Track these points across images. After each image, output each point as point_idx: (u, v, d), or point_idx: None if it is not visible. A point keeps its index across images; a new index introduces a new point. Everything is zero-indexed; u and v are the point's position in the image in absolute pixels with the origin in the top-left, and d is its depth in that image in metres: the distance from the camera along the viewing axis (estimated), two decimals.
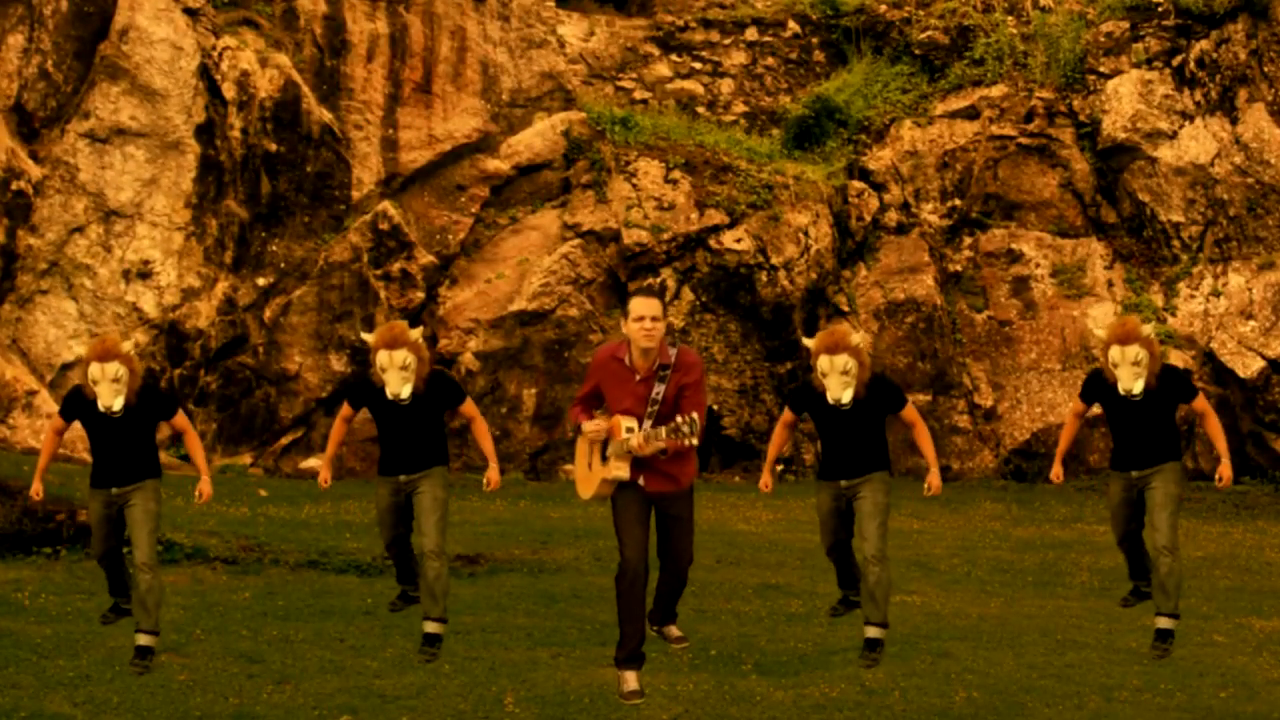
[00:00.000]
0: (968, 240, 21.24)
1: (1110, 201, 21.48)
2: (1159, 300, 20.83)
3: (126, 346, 7.87)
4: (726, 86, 22.55)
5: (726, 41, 22.68)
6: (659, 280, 19.70)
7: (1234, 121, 20.95)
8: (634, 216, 19.75)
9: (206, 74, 18.57)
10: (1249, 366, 20.00)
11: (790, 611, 11.11)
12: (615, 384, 7.36)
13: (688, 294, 19.81)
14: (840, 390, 7.67)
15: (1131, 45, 21.50)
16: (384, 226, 19.28)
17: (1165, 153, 20.99)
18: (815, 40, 22.93)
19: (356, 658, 9.40)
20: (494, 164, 20.07)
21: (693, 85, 22.45)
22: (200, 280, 18.42)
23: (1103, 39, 21.61)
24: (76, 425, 8.09)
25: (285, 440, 18.76)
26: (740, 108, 22.50)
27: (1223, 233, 20.83)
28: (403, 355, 7.69)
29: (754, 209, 20.00)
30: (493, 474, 7.99)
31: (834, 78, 22.39)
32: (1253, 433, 20.06)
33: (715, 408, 19.67)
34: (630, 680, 7.36)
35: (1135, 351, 7.83)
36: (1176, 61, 21.33)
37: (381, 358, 7.73)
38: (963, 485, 19.58)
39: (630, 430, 7.20)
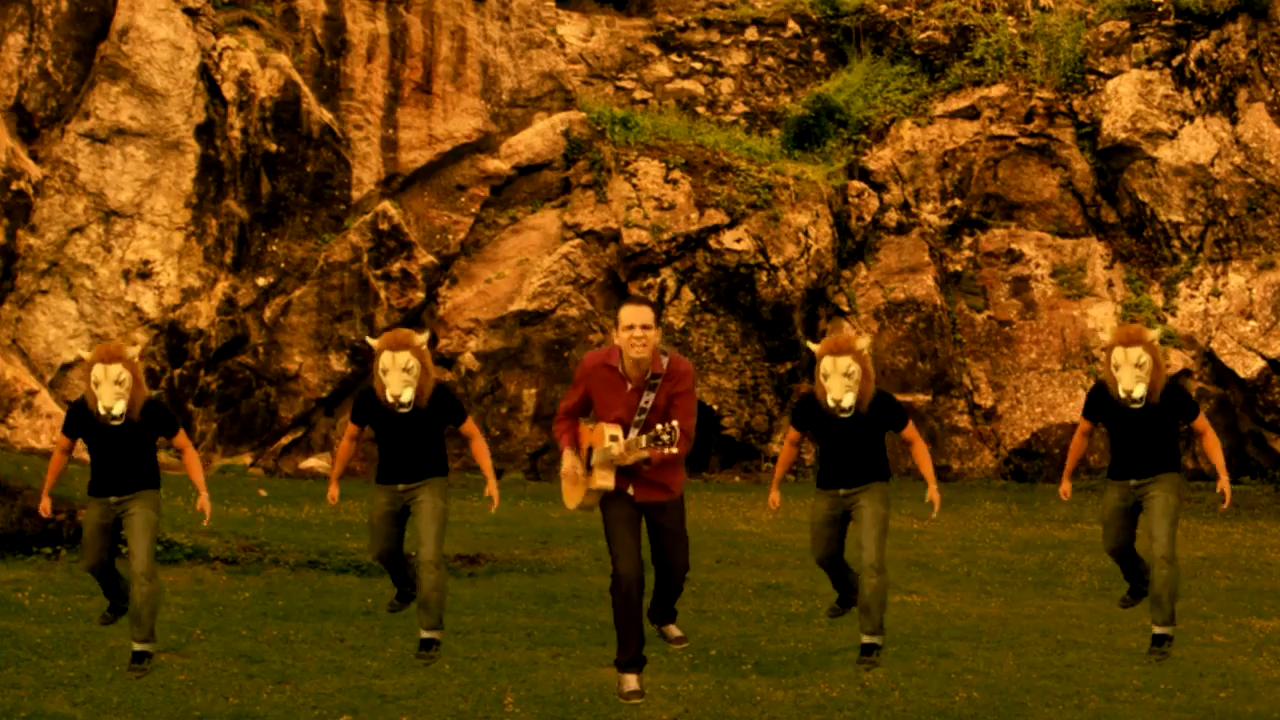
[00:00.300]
0: (968, 240, 21.25)
1: (1110, 201, 21.48)
2: (1159, 300, 20.83)
3: (131, 352, 7.84)
4: (726, 86, 22.56)
5: (726, 41, 22.68)
6: (659, 280, 19.70)
7: (1234, 121, 20.95)
8: (634, 216, 19.76)
9: (206, 74, 18.57)
10: (1249, 366, 20.00)
11: (790, 611, 11.11)
12: (606, 392, 7.26)
13: (688, 294, 19.81)
14: (841, 392, 7.63)
15: (1131, 45, 21.50)
16: (384, 226, 19.28)
17: (1165, 153, 20.99)
18: (815, 40, 22.93)
19: (356, 658, 9.39)
20: (494, 164, 20.08)
21: (693, 85, 22.45)
22: (200, 280, 18.42)
23: (1103, 39, 21.61)
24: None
25: (285, 440, 18.77)
26: (740, 108, 22.50)
27: (1223, 233, 20.83)
28: (405, 357, 7.65)
29: (754, 209, 20.00)
30: (493, 492, 7.95)
31: (834, 78, 22.40)
32: (1253, 433, 20.07)
33: (715, 408, 19.68)
34: (630, 681, 7.34)
35: (1138, 354, 7.78)
36: (1176, 61, 21.33)
37: (385, 359, 7.69)
38: (963, 485, 19.58)
39: (614, 439, 7.09)
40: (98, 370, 7.70)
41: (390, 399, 7.67)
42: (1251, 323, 20.21)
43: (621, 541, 7.22)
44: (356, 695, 8.47)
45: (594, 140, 20.32)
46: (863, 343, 7.81)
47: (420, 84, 19.86)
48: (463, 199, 19.95)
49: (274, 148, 18.88)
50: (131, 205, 18.07)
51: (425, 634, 7.85)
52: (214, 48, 18.74)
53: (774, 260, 19.91)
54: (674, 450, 6.93)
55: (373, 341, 7.92)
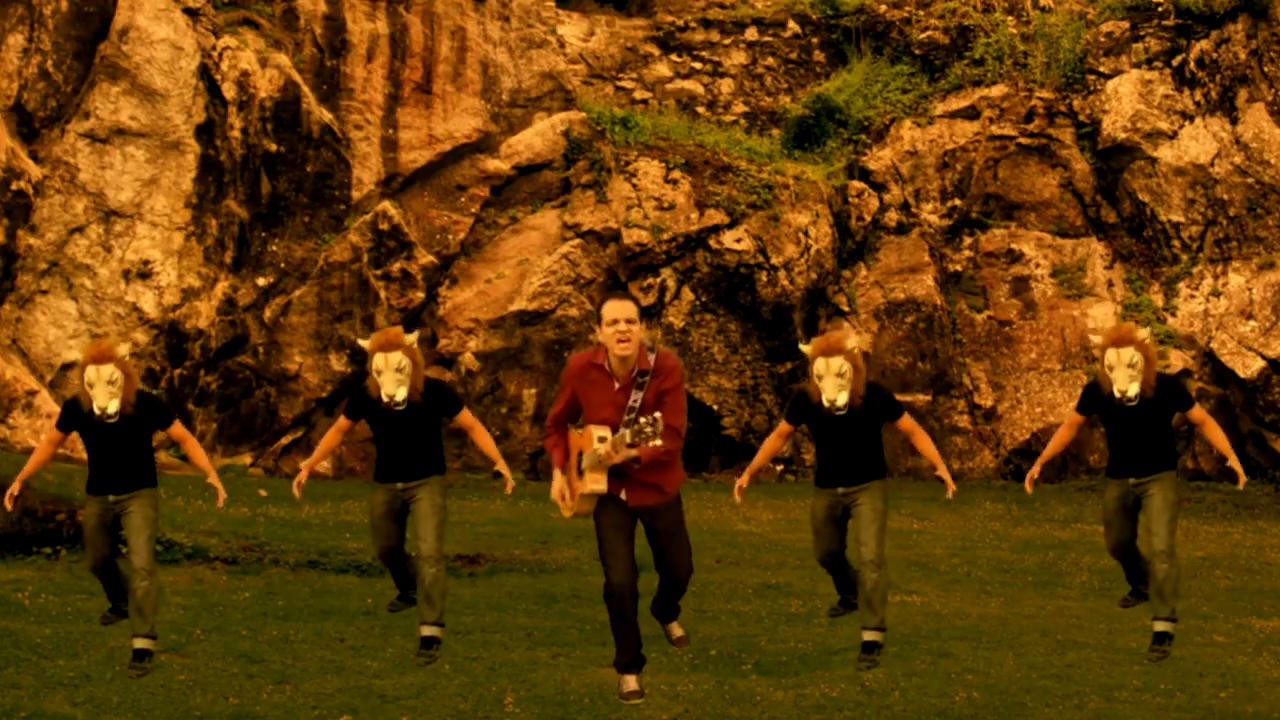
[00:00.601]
0: (968, 240, 21.25)
1: (1110, 201, 21.48)
2: (1159, 300, 20.83)
3: (122, 350, 7.84)
4: (726, 86, 22.56)
5: (726, 41, 22.68)
6: (659, 280, 19.71)
7: (1234, 121, 20.95)
8: (634, 216, 19.75)
9: (206, 74, 18.57)
10: (1249, 366, 20.00)
11: (790, 611, 11.11)
12: (594, 392, 7.12)
13: (688, 294, 19.81)
14: (835, 392, 7.68)
15: (1131, 45, 21.50)
16: (384, 226, 19.28)
17: (1165, 153, 20.99)
18: (815, 40, 22.93)
19: (356, 658, 9.39)
20: (494, 164, 20.08)
21: (693, 85, 22.45)
22: (200, 280, 18.42)
23: (1103, 39, 21.61)
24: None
25: (285, 440, 18.77)
26: (740, 108, 22.50)
27: (1223, 233, 20.83)
28: (398, 357, 7.68)
29: (754, 209, 20.00)
30: (504, 473, 7.94)
31: (834, 78, 22.40)
32: (1253, 433, 20.07)
33: (715, 408, 19.68)
34: (630, 681, 7.33)
35: (1130, 354, 7.85)
36: (1176, 61, 21.33)
37: (377, 360, 7.72)
38: (963, 485, 19.53)
39: (603, 439, 6.96)
40: (90, 371, 7.72)
41: (385, 399, 7.69)
42: (1251, 323, 20.21)
43: (613, 550, 7.11)
44: (356, 695, 8.46)
45: (594, 140, 20.32)
46: (853, 341, 7.86)
47: (420, 84, 19.86)
48: (463, 199, 19.95)
49: (274, 148, 18.88)
50: (131, 205, 18.07)
51: (426, 631, 7.84)
52: (214, 48, 18.74)
53: (774, 260, 19.91)
54: (658, 443, 6.77)
55: (364, 343, 7.95)
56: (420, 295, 19.32)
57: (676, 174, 20.08)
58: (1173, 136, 21.04)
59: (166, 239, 18.23)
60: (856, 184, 21.19)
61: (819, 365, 7.73)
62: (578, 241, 19.73)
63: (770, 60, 22.77)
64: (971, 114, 21.68)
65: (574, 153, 20.27)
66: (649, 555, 7.30)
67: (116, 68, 18.12)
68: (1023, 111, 21.58)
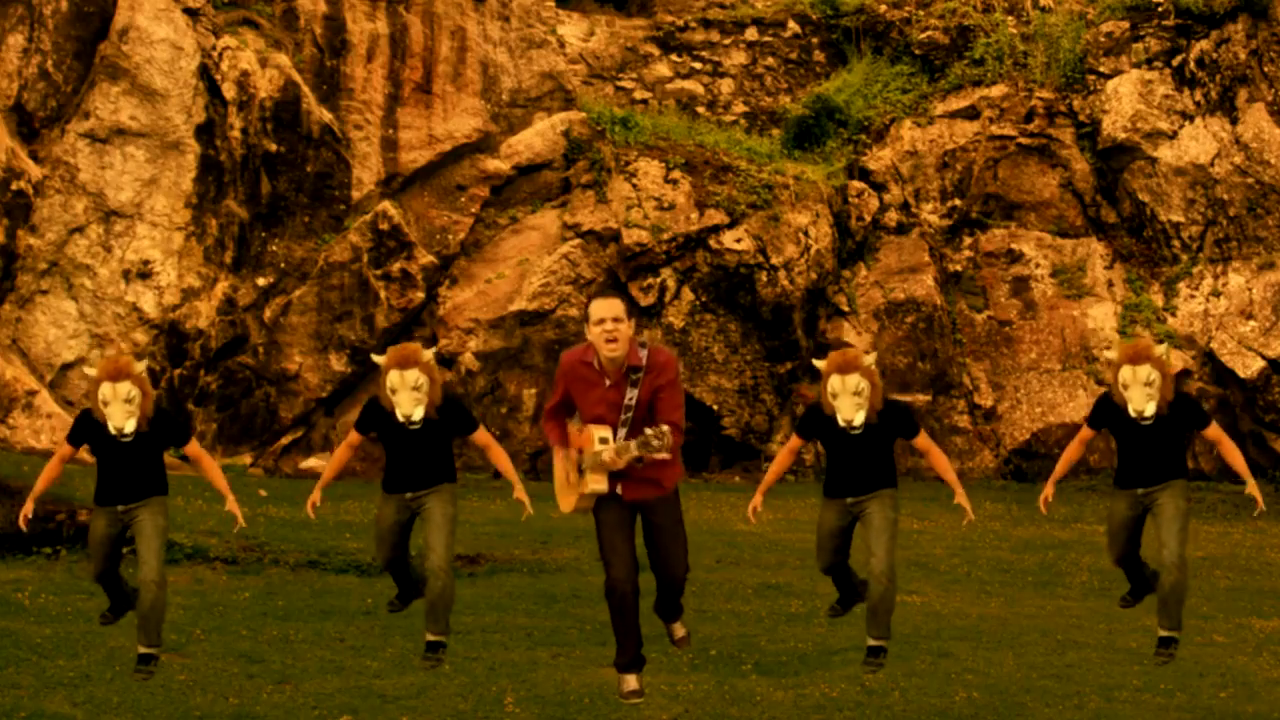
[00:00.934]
0: (968, 240, 21.25)
1: (1110, 201, 21.48)
2: (1159, 300, 20.83)
3: (139, 367, 7.65)
4: (726, 86, 22.56)
5: (726, 41, 22.68)
6: (659, 280, 19.70)
7: (1234, 121, 20.95)
8: (634, 216, 19.75)
9: (206, 74, 18.57)
10: (1249, 366, 20.00)
11: (790, 611, 11.10)
12: (585, 390, 7.05)
13: (688, 294, 19.81)
14: (852, 412, 7.52)
15: (1131, 45, 21.50)
16: (384, 226, 19.28)
17: (1165, 153, 20.99)
18: (815, 40, 22.93)
19: (356, 658, 9.39)
20: (494, 164, 20.08)
21: (693, 85, 22.45)
22: (200, 280, 18.42)
23: (1103, 39, 21.61)
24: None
25: (285, 440, 18.77)
26: (740, 108, 22.50)
27: (1223, 233, 20.83)
28: (415, 375, 7.46)
29: (754, 209, 20.00)
30: (522, 496, 7.79)
31: (834, 78, 22.40)
32: (1253, 433, 20.07)
33: (715, 408, 19.67)
34: (630, 681, 7.31)
35: (1147, 372, 7.63)
36: (1176, 61, 21.33)
37: (393, 378, 7.49)
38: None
39: (604, 441, 6.89)
40: (105, 389, 7.52)
41: (401, 419, 7.48)
42: (1251, 323, 20.21)
43: (613, 547, 7.07)
44: (356, 695, 8.46)
45: (594, 140, 20.32)
46: (870, 359, 7.68)
47: (420, 84, 19.86)
48: (463, 199, 19.95)
49: (274, 148, 18.88)
50: (131, 205, 18.06)
51: (431, 638, 7.79)
52: (214, 48, 18.73)
53: (774, 260, 19.91)
54: (665, 455, 6.72)
55: (378, 358, 7.70)
56: (420, 295, 19.32)
57: (676, 174, 20.08)
58: (1173, 136, 21.04)
59: (166, 239, 18.23)
60: (856, 184, 21.19)
61: (834, 383, 7.56)
62: (578, 241, 19.73)
63: (770, 60, 22.77)
64: (971, 114, 21.68)
65: (574, 153, 20.27)
66: (643, 554, 7.28)
67: (116, 68, 18.11)
68: (1023, 111, 21.58)
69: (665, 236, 19.67)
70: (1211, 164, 20.84)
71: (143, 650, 7.83)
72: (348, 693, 8.51)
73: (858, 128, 21.69)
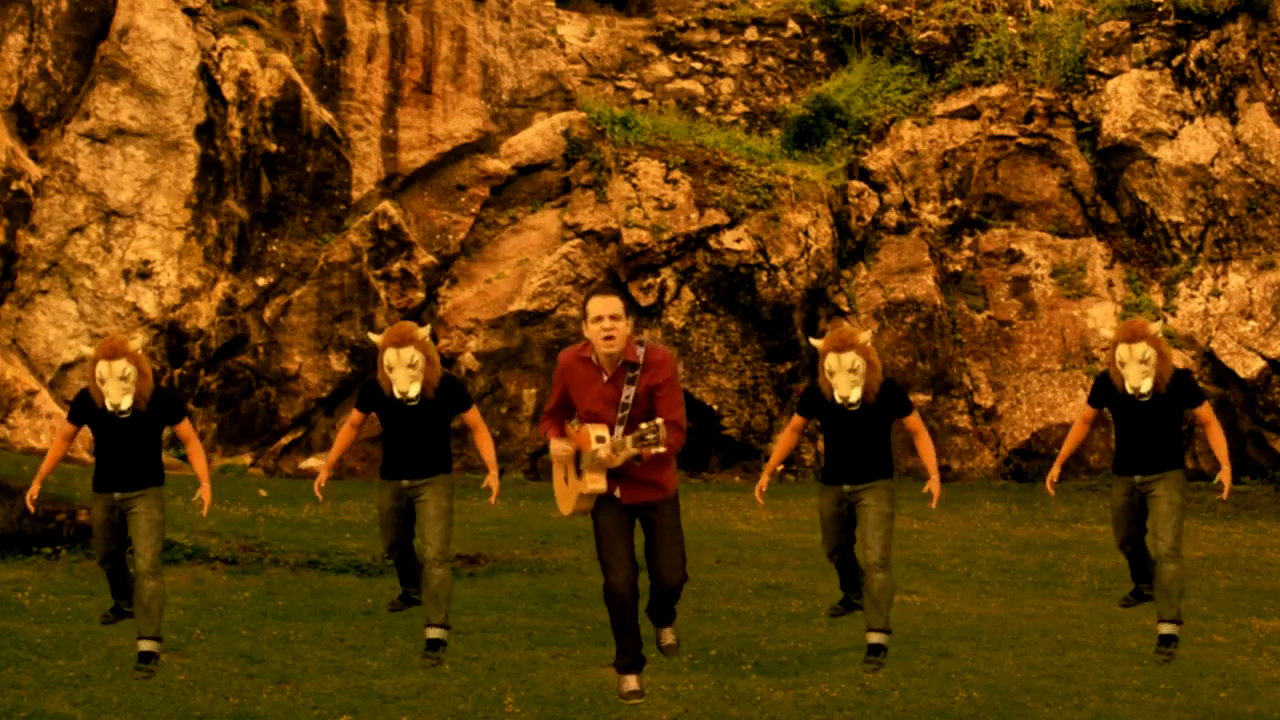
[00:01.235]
0: (968, 240, 21.25)
1: (1110, 201, 21.48)
2: (1159, 300, 20.83)
3: (134, 345, 7.76)
4: (726, 86, 22.56)
5: (726, 41, 22.68)
6: (659, 280, 19.70)
7: (1234, 121, 20.95)
8: (634, 216, 19.76)
9: (206, 74, 18.57)
10: (1249, 366, 20.00)
11: (790, 611, 11.10)
12: (583, 387, 7.05)
13: (688, 294, 19.81)
14: (848, 388, 7.61)
15: (1131, 45, 21.50)
16: (384, 226, 19.28)
17: (1165, 153, 20.99)
18: (815, 40, 22.93)
19: (356, 658, 9.39)
20: (494, 164, 20.08)
21: (693, 85, 22.45)
22: (200, 280, 18.43)
23: (1103, 39, 21.61)
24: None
25: (285, 440, 18.77)
26: (740, 108, 22.50)
27: (1223, 233, 20.83)
28: (410, 353, 7.61)
29: (754, 209, 20.00)
30: (493, 482, 7.90)
31: (834, 78, 22.40)
32: (1253, 433, 20.07)
33: (715, 408, 19.68)
34: (630, 681, 7.31)
35: (1143, 349, 7.79)
36: (1176, 61, 21.33)
37: (389, 356, 7.65)
38: (963, 485, 19.57)
39: (601, 439, 6.88)
40: (102, 367, 7.63)
41: (398, 395, 7.63)
42: (1251, 323, 20.21)
43: (612, 550, 7.05)
44: (356, 695, 8.46)
45: (594, 140, 20.32)
46: (865, 336, 7.76)
47: (420, 84, 19.86)
48: (463, 199, 19.95)
49: (274, 148, 18.88)
50: (131, 205, 18.07)
51: (432, 634, 7.80)
52: (214, 48, 18.74)
53: (774, 260, 19.92)
54: (662, 449, 6.71)
55: (375, 338, 7.87)
56: (420, 295, 19.32)
57: (676, 174, 20.09)
58: (1173, 136, 21.04)
59: (166, 239, 18.23)
60: (856, 184, 21.20)
61: (830, 361, 7.66)
62: (578, 241, 19.73)
63: (770, 60, 22.77)
64: (971, 114, 21.68)
65: (574, 153, 20.27)
66: (641, 556, 7.27)
67: (116, 68, 18.12)
68: (1023, 111, 21.58)
69: (665, 236, 19.67)
70: (1211, 164, 20.84)
71: (143, 647, 7.86)
72: (348, 693, 8.51)
73: (858, 128, 21.69)
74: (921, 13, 22.48)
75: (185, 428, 8.03)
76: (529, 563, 12.73)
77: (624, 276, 19.65)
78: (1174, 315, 20.60)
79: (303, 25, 19.52)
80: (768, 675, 9.13)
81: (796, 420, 8.11)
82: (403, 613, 8.53)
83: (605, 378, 7.02)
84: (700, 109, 22.27)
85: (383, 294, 19.12)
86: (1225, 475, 8.08)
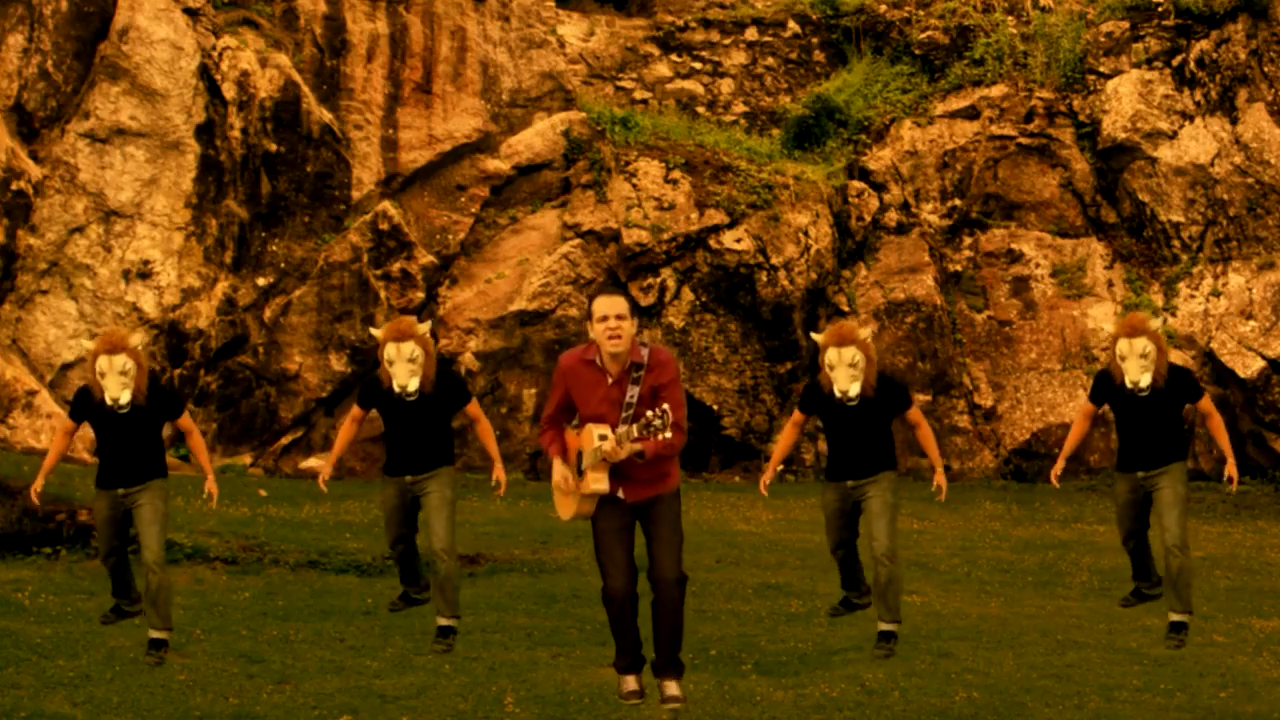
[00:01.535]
0: (968, 240, 21.25)
1: (1110, 201, 21.48)
2: (1159, 300, 20.83)
3: (134, 340, 7.81)
4: (726, 86, 22.56)
5: (726, 41, 22.68)
6: (659, 280, 19.71)
7: (1234, 121, 20.95)
8: (634, 216, 19.76)
9: (206, 74, 18.57)
10: (1249, 366, 20.00)
11: (790, 611, 11.10)
12: (586, 389, 7.01)
13: (688, 294, 19.81)
14: (848, 383, 7.65)
15: (1131, 45, 21.50)
16: (384, 226, 19.28)
17: (1165, 153, 20.99)
18: (815, 40, 22.93)
19: (356, 658, 9.39)
20: (494, 164, 20.08)
21: (693, 85, 22.45)
22: (200, 280, 18.43)
23: (1103, 39, 21.61)
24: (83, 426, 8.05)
25: (285, 440, 18.77)
26: (740, 108, 22.50)
27: (1223, 233, 20.83)
28: (410, 347, 7.68)
29: (754, 209, 20.00)
30: (499, 474, 7.99)
31: (834, 78, 22.40)
32: (1253, 433, 20.07)
33: (715, 408, 19.68)
34: (630, 682, 7.31)
35: (1143, 344, 7.82)
36: (1176, 61, 21.33)
37: (389, 350, 7.71)
38: (963, 485, 19.57)
39: (603, 438, 6.84)
40: (102, 361, 7.67)
41: (397, 389, 7.69)
42: (1251, 323, 20.21)
43: (611, 554, 7.04)
44: (356, 695, 8.46)
45: (594, 140, 20.32)
46: (865, 332, 7.84)
47: (420, 84, 19.86)
48: (463, 199, 19.95)
49: (274, 148, 18.88)
50: (131, 205, 18.07)
51: (443, 621, 7.92)
52: (214, 48, 18.74)
53: (774, 260, 19.92)
54: (668, 435, 6.64)
55: (376, 332, 7.95)
56: (420, 295, 19.32)
57: (676, 174, 20.09)
58: (1173, 136, 21.04)
59: (166, 239, 18.23)
60: (856, 184, 21.19)
61: (830, 355, 7.72)
62: (578, 241, 19.73)
63: (770, 60, 22.77)
64: (971, 114, 21.68)
65: (574, 153, 20.27)
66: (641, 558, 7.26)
67: (116, 68, 18.12)
68: (1023, 111, 21.58)
69: (665, 236, 19.67)
70: (1211, 164, 20.84)
71: (153, 635, 8.00)
72: (348, 693, 8.51)
73: (858, 128, 21.69)
74: (921, 13, 22.48)
75: (185, 421, 8.09)
76: (529, 563, 12.73)
77: (624, 276, 19.65)
78: (1174, 315, 20.60)
79: (303, 25, 19.52)
80: (768, 675, 9.13)
81: (797, 416, 8.17)
82: (403, 613, 8.54)
83: (610, 380, 7.00)
84: (700, 109, 22.27)
85: (383, 294, 19.12)
86: (1231, 468, 8.16)
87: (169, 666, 8.44)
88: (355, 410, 8.07)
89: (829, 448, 8.09)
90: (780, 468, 19.84)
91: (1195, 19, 21.30)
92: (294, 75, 19.05)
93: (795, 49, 22.87)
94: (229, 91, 18.66)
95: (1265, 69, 20.95)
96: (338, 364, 18.86)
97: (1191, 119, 21.10)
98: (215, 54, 18.71)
